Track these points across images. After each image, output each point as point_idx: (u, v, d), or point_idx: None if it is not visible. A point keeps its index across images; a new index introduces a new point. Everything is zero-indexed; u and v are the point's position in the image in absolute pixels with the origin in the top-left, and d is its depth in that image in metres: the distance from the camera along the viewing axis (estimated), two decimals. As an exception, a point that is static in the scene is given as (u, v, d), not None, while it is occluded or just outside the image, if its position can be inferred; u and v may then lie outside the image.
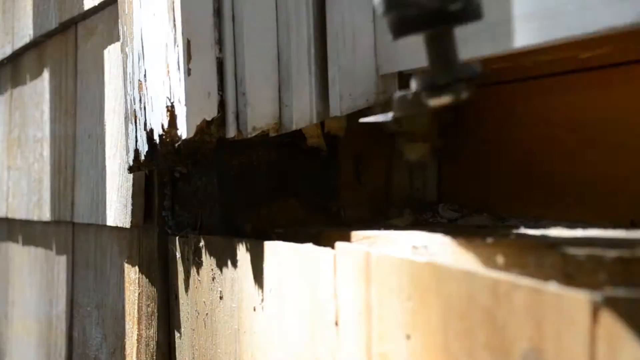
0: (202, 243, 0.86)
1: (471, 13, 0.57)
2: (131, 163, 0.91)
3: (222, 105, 0.84)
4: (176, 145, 0.85)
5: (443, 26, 0.59)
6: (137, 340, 0.98)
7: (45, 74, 1.30)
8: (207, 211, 0.89)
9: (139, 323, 0.98)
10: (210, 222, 0.88)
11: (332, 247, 0.67)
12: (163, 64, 0.85)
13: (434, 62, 0.61)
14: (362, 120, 0.72)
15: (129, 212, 0.98)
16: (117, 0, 0.95)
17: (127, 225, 0.98)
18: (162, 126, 0.85)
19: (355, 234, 0.74)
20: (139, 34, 0.89)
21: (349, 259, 0.64)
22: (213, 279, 0.84)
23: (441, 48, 0.60)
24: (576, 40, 0.64)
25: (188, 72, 0.82)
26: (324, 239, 0.77)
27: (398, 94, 0.65)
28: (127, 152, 0.92)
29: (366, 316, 0.62)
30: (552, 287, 0.48)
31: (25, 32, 1.34)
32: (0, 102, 1.52)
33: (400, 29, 0.59)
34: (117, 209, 1.02)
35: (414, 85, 0.62)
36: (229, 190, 0.87)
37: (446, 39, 0.60)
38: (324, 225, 0.89)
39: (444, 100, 0.61)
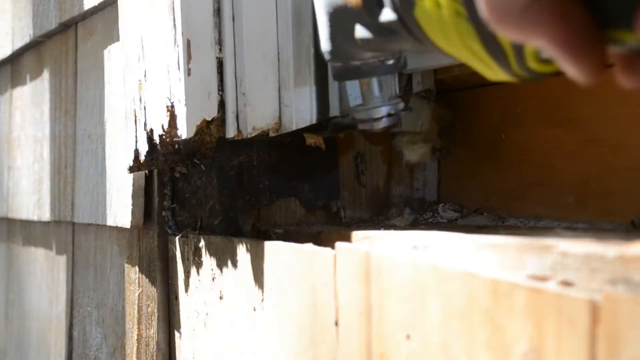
0: (202, 243, 0.86)
1: (400, 66, 0.72)
2: (131, 163, 0.91)
3: (222, 105, 0.83)
4: (176, 145, 0.85)
5: (379, 75, 0.75)
6: (137, 340, 0.98)
7: (45, 74, 1.30)
8: (207, 211, 0.89)
9: (139, 323, 0.98)
10: (210, 222, 0.88)
11: (332, 247, 0.67)
12: (163, 64, 0.85)
13: (367, 99, 0.78)
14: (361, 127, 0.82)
15: (129, 212, 0.98)
16: (117, 0, 0.95)
17: (127, 225, 0.98)
18: (162, 126, 0.85)
19: (355, 234, 0.74)
20: (139, 34, 0.89)
21: (349, 259, 0.64)
22: (213, 279, 0.84)
23: (374, 89, 0.77)
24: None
25: (188, 72, 0.82)
26: (324, 239, 0.77)
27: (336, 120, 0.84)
28: (127, 152, 0.92)
29: (366, 316, 0.62)
30: (552, 287, 0.48)
31: (25, 32, 1.34)
32: (0, 102, 1.52)
33: (343, 75, 0.73)
34: (117, 209, 1.02)
35: (353, 114, 0.80)
36: (229, 190, 0.87)
37: (381, 82, 0.77)
38: (324, 225, 0.89)
39: (375, 128, 0.79)
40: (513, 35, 0.46)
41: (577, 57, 0.45)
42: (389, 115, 0.78)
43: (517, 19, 0.45)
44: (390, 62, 0.71)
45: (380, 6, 0.61)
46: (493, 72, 0.54)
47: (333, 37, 0.69)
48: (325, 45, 0.70)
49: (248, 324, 0.78)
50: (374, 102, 0.78)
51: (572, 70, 0.45)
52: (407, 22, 0.58)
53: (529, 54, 0.50)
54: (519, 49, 0.50)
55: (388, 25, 0.61)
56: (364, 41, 0.65)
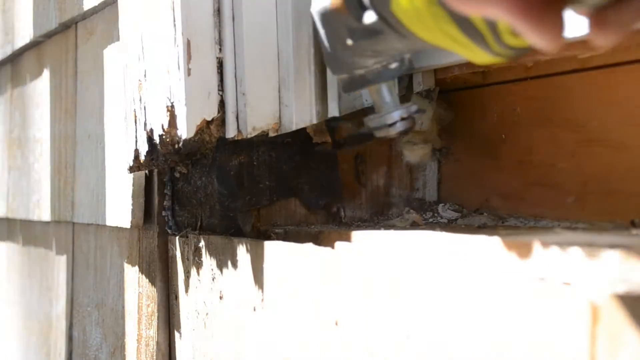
0: (202, 243, 0.86)
1: (405, 68, 0.71)
2: (131, 163, 0.91)
3: (222, 105, 0.84)
4: (176, 145, 0.85)
5: (385, 81, 0.74)
6: (137, 340, 0.98)
7: (45, 74, 1.30)
8: (207, 211, 0.89)
9: (139, 323, 0.98)
10: (210, 222, 0.88)
11: (332, 247, 0.67)
12: (163, 64, 0.85)
13: (379, 106, 0.76)
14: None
15: (129, 212, 0.98)
16: (117, 0, 0.95)
17: (127, 225, 0.98)
18: (162, 126, 0.85)
19: (355, 234, 0.74)
20: (139, 34, 0.89)
21: (349, 259, 0.64)
22: (213, 279, 0.84)
23: (384, 95, 0.76)
24: (576, 40, 0.64)
25: (188, 72, 0.82)
26: (324, 239, 0.77)
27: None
28: (127, 152, 0.92)
29: (366, 316, 0.62)
30: (553, 287, 0.48)
31: (25, 32, 1.34)
32: (0, 102, 1.52)
33: (351, 86, 0.72)
34: (117, 209, 1.02)
35: (367, 123, 0.78)
36: (229, 190, 0.87)
37: (390, 87, 0.76)
38: (324, 225, 0.89)
39: (391, 134, 0.77)
40: (470, 10, 0.46)
41: (535, 23, 0.44)
42: (402, 119, 0.77)
43: None
44: (394, 65, 0.71)
45: (363, 8, 0.61)
46: (475, 55, 0.54)
47: (333, 48, 0.69)
48: (328, 58, 0.70)
49: (248, 324, 0.78)
50: (386, 108, 0.77)
51: (533, 37, 0.45)
52: (387, 18, 0.58)
53: (503, 29, 0.50)
54: (493, 27, 0.51)
55: (372, 26, 0.61)
56: (355, 46, 0.65)
